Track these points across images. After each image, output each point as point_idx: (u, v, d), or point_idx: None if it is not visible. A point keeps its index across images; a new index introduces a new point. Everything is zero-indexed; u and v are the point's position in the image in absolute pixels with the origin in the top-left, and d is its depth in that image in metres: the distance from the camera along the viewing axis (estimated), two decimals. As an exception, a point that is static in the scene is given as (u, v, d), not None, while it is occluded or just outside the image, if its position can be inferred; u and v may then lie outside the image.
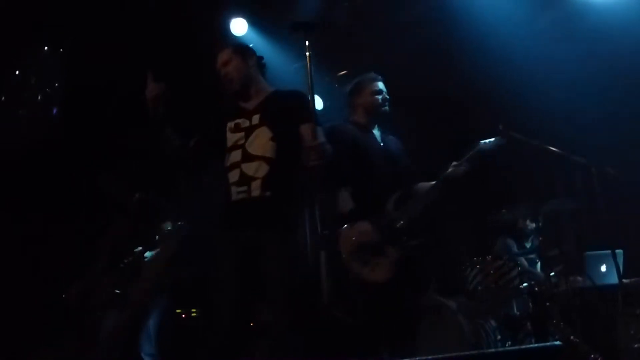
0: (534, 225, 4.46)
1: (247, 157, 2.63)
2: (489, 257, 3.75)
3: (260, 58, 2.90)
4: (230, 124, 2.73)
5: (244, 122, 2.71)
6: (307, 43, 2.51)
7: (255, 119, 2.69)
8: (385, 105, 3.30)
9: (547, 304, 3.48)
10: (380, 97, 3.29)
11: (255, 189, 2.57)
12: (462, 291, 3.81)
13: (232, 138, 2.70)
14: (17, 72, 3.94)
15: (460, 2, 4.54)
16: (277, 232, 2.56)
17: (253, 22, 4.90)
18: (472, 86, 4.85)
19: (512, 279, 3.69)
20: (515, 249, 4.63)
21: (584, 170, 3.49)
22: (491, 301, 3.67)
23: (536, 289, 3.65)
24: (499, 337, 3.64)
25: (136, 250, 3.49)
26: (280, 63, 5.18)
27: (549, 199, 3.84)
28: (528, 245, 4.68)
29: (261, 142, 2.63)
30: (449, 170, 3.14)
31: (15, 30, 4.05)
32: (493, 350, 3.28)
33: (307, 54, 2.51)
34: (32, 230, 4.15)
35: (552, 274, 3.68)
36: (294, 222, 2.66)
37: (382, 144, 3.30)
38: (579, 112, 4.59)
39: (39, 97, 3.94)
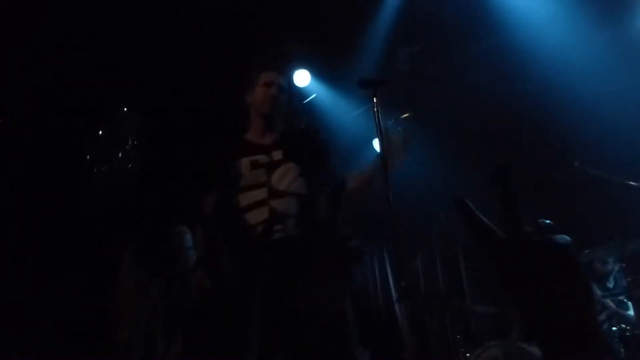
0: (612, 265, 4.23)
1: (276, 194, 2.45)
2: (572, 300, 3.55)
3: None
4: (245, 161, 2.52)
5: (264, 158, 2.52)
6: (374, 99, 2.46)
7: (277, 154, 2.52)
8: None
9: (642, 349, 3.25)
10: None
11: (292, 227, 2.41)
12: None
13: (250, 176, 2.50)
14: (100, 132, 4.20)
15: (516, 40, 4.52)
16: (318, 275, 2.37)
17: (315, 73, 5.05)
18: (541, 121, 4.74)
19: (600, 322, 3.49)
20: (597, 290, 4.38)
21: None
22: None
23: (628, 333, 3.42)
24: (589, 386, 3.41)
25: None
26: (342, 111, 5.30)
27: (634, 237, 3.64)
28: (610, 286, 4.43)
29: (290, 177, 2.48)
30: None
31: (98, 94, 4.37)
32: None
33: (375, 109, 2.46)
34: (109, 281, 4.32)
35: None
36: (333, 264, 2.45)
37: None
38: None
39: (120, 155, 4.17)
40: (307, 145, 2.58)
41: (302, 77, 5.05)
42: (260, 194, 2.46)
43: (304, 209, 2.44)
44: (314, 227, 2.45)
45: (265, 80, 2.62)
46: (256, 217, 2.43)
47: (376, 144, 5.54)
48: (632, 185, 3.74)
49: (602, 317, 3.51)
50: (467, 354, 3.91)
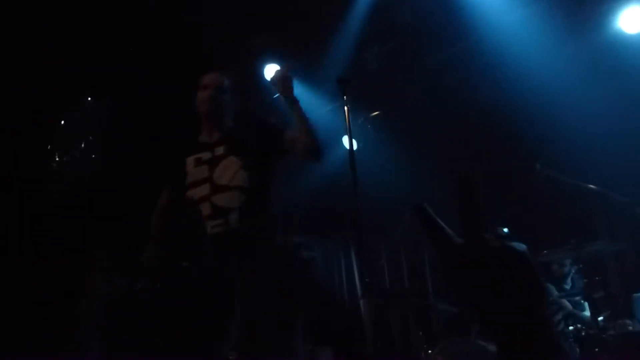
0: (570, 267, 4.34)
1: (217, 189, 2.51)
2: (531, 300, 3.64)
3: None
4: (190, 160, 2.62)
5: (206, 155, 2.60)
6: (344, 97, 2.53)
7: (219, 150, 2.59)
8: None
9: (596, 349, 3.34)
10: None
11: (234, 221, 2.45)
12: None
13: (194, 173, 2.59)
14: (62, 122, 4.10)
15: (486, 43, 4.58)
16: (261, 263, 2.43)
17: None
18: (506, 125, 4.83)
19: (556, 323, 3.58)
20: (554, 291, 4.49)
21: (626, 209, 3.41)
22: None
23: (583, 333, 3.52)
24: (544, 384, 3.51)
25: None
26: (313, 106, 5.29)
27: (590, 239, 3.75)
28: (567, 287, 4.55)
29: (231, 171, 2.53)
30: None
31: (62, 83, 4.25)
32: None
33: (346, 107, 2.53)
34: (74, 274, 4.22)
35: (601, 318, 3.53)
36: (276, 252, 2.56)
37: None
38: (621, 149, 4.51)
39: (82, 145, 4.08)
40: (250, 136, 2.61)
41: (272, 71, 5.00)
42: (203, 190, 2.52)
43: (247, 202, 2.47)
44: (260, 218, 2.49)
45: (203, 83, 2.72)
46: (199, 212, 2.48)
47: (345, 140, 5.57)
48: (591, 189, 3.85)
49: (559, 317, 3.60)
50: (429, 351, 3.96)
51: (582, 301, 4.25)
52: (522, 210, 4.71)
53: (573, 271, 4.29)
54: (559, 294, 4.32)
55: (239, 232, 2.43)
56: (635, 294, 3.86)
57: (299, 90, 5.13)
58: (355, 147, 5.10)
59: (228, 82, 2.75)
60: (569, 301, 4.24)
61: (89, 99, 4.01)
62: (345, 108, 2.53)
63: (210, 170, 2.55)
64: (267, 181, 2.60)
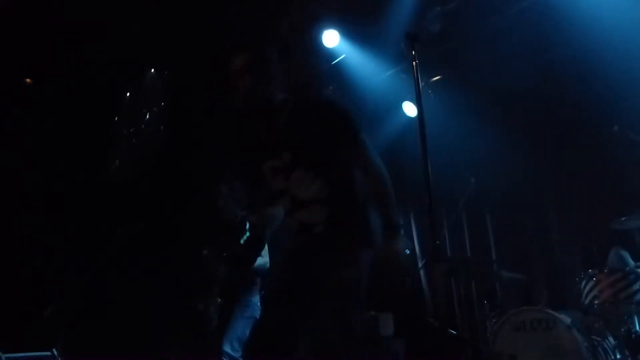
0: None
1: (299, 204, 2.27)
2: (606, 269, 3.49)
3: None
4: (266, 167, 2.33)
5: (277, 162, 2.29)
6: (413, 52, 2.33)
7: (286, 156, 2.27)
8: None
9: (677, 321, 3.17)
10: None
11: (320, 232, 2.24)
12: (576, 305, 3.58)
13: (273, 183, 2.33)
14: (127, 94, 4.19)
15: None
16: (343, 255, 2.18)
17: (344, 33, 4.92)
18: (578, 85, 4.54)
19: (633, 293, 3.43)
20: (630, 261, 4.26)
21: None
22: (609, 317, 3.41)
23: (662, 304, 3.34)
24: (618, 356, 3.39)
25: None
26: (372, 72, 5.18)
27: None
28: (646, 257, 4.30)
29: (306, 184, 2.24)
30: None
31: (126, 56, 4.35)
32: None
33: (415, 62, 2.34)
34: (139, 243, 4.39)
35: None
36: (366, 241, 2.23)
37: None
38: None
39: (147, 116, 4.16)
40: (316, 135, 2.23)
41: (331, 38, 4.92)
42: (286, 203, 2.30)
43: (333, 212, 2.23)
44: (348, 221, 2.23)
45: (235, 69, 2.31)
46: (289, 225, 2.32)
47: (406, 107, 5.44)
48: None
49: (636, 287, 3.42)
50: (494, 319, 3.89)
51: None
52: (599, 175, 4.46)
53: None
54: (636, 264, 4.10)
55: (326, 241, 2.22)
56: None
57: (358, 55, 5.07)
58: (415, 113, 5.02)
59: (252, 56, 2.31)
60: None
61: (152, 70, 4.07)
62: (414, 64, 2.33)
63: (286, 180, 2.28)
64: (347, 175, 2.28)
